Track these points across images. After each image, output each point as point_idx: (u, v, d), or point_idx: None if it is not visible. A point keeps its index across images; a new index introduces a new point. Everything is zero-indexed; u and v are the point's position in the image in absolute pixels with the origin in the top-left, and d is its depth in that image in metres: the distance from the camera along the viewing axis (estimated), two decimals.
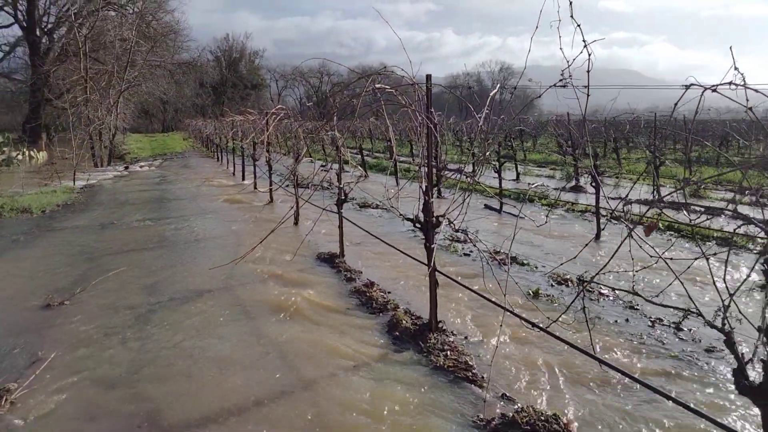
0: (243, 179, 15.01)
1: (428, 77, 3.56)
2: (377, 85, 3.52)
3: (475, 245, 3.98)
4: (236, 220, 8.92)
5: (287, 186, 10.31)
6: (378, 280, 5.42)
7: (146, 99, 38.36)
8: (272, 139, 10.73)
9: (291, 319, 4.45)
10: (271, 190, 10.86)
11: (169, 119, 62.60)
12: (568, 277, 5.67)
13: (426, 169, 3.69)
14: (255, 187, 12.84)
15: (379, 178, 14.54)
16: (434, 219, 3.69)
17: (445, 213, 3.56)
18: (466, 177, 3.59)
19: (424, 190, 3.71)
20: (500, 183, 10.49)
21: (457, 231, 3.52)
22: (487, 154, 5.47)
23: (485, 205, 9.96)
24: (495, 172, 10.60)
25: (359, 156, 17.74)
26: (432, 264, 3.83)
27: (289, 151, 17.34)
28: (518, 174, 14.67)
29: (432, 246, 3.77)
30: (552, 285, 5.46)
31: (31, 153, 24.75)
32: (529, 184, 13.33)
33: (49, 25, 33.70)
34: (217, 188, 13.64)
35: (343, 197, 6.04)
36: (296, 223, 8.38)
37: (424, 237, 3.84)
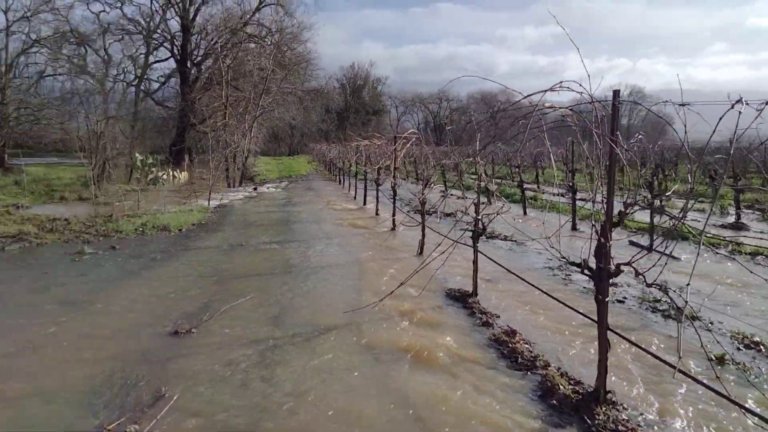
0: (364, 203, 14.94)
1: (616, 93, 2.90)
2: (547, 106, 2.93)
3: (675, 306, 3.15)
4: (359, 246, 8.66)
5: (411, 213, 9.91)
6: (519, 327, 4.74)
7: (277, 124, 40.62)
8: (398, 164, 10.45)
9: (424, 370, 3.92)
10: (394, 218, 10.53)
11: (296, 143, 66.08)
12: (758, 339, 4.59)
13: (603, 204, 3.00)
14: (377, 213, 12.64)
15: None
16: (612, 267, 2.98)
17: (630, 261, 2.84)
18: (670, 217, 2.85)
19: (598, 229, 3.02)
20: (651, 217, 9.29)
21: (650, 286, 2.78)
22: (661, 186, 4.62)
23: (630, 241, 8.84)
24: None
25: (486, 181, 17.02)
26: (605, 322, 3.11)
27: (417, 177, 17.10)
28: (662, 206, 13.11)
29: (605, 300, 3.06)
30: (739, 348, 4.43)
31: (175, 173, 26.95)
32: (675, 218, 11.82)
33: (198, 58, 36.96)
34: (340, 212, 13.64)
35: (480, 230, 5.45)
36: (420, 252, 7.92)
37: (595, 288, 3.13)
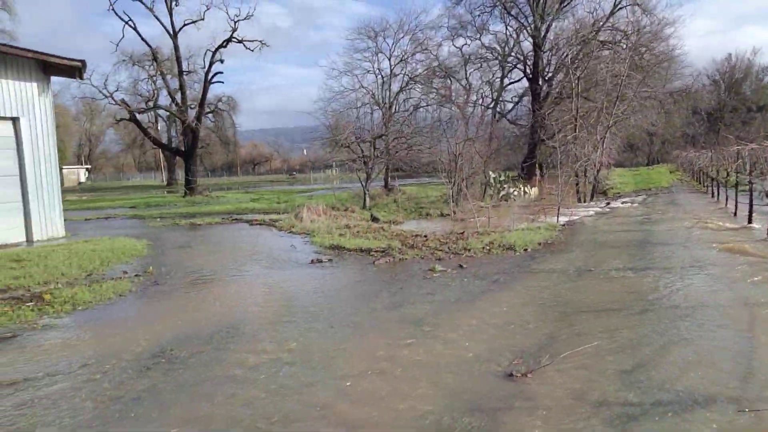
0: (749, 222, 11.97)
1: None
2: None
3: None
4: (742, 281, 6.73)
5: None
6: None
7: (633, 132, 37.48)
8: None
9: None
10: None
11: (655, 151, 59.76)
12: None
13: None
14: None
15: None
16: None
17: None
18: None
19: None
20: None
21: None
22: None
23: None
24: None
25: None
26: None
27: None
28: None
29: None
30: None
31: (525, 189, 27.38)
32: None
33: (549, 74, 37.07)
34: (714, 232, 11.23)
35: None
36: None
37: None
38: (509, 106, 40.56)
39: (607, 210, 18.01)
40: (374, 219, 16.04)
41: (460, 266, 8.37)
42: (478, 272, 7.94)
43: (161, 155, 70.07)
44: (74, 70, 14.90)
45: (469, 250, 9.77)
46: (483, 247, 9.96)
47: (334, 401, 3.72)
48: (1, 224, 13.82)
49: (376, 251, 9.87)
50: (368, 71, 31.70)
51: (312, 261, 9.18)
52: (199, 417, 3.49)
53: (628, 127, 32.98)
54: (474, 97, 37.90)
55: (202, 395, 3.80)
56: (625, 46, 31.56)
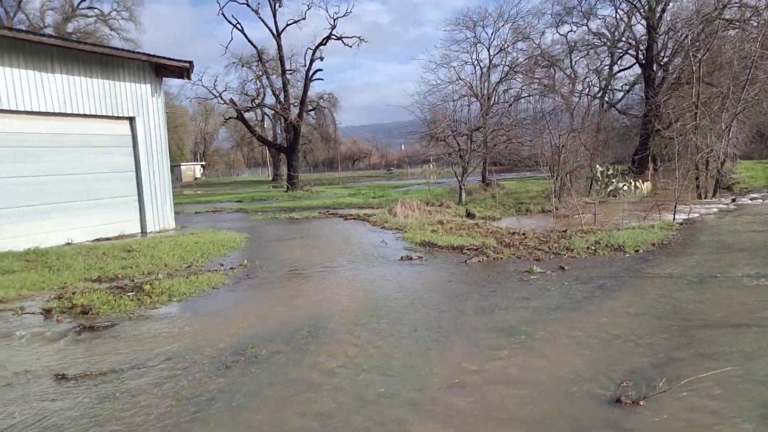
0: None
1: None
2: None
3: None
4: None
5: None
6: None
7: (763, 120, 33.49)
8: None
9: None
10: None
11: None
12: None
13: None
14: None
15: None
16: None
17: None
18: None
19: None
20: None
21: None
22: None
23: None
24: None
25: None
26: None
27: None
28: None
29: None
30: None
31: (636, 184, 25.36)
32: None
33: (665, 59, 34.14)
34: None
35: None
36: None
37: None
38: (619, 95, 37.96)
39: (733, 207, 16.10)
40: (469, 215, 15.48)
41: (561, 268, 7.67)
42: (582, 275, 7.22)
43: (267, 152, 73.41)
44: (183, 70, 15.70)
45: (572, 250, 8.99)
46: (588, 247, 9.14)
47: (410, 417, 3.37)
48: (121, 217, 14.87)
49: (469, 249, 9.38)
50: (466, 62, 31.01)
51: (402, 258, 8.89)
52: (266, 426, 3.28)
53: (759, 114, 29.50)
54: (580, 87, 35.83)
55: (274, 401, 3.61)
56: (755, 24, 28.22)
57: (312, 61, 35.48)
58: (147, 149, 15.44)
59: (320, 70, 38.19)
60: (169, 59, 15.49)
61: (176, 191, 51.58)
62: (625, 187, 23.06)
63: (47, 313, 6.13)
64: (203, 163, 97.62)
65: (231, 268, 8.81)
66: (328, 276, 7.89)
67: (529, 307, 5.76)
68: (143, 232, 15.28)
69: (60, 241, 12.95)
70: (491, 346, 4.57)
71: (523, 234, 10.91)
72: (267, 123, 66.54)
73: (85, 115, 13.81)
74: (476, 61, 30.73)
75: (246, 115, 45.67)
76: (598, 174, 22.13)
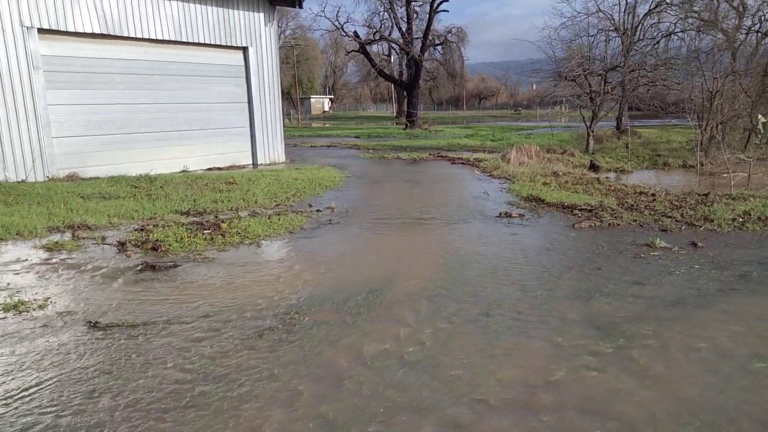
0: None
1: None
2: None
3: None
4: None
5: None
6: None
7: None
8: None
9: None
10: None
11: None
12: None
13: None
14: None
15: None
16: None
17: None
18: None
19: None
20: None
21: None
22: None
23: None
24: None
25: None
26: None
27: None
28: None
29: None
30: None
31: None
32: None
33: None
34: None
35: None
36: None
37: None
38: None
39: None
40: (593, 167, 13.75)
41: (693, 244, 6.23)
42: (720, 257, 5.77)
43: (393, 88, 72.76)
44: None
45: (712, 221, 7.36)
46: (734, 219, 7.44)
47: None
48: (234, 147, 15.17)
49: (581, 210, 8.08)
50: None
51: (500, 214, 7.87)
52: (258, 428, 2.71)
53: None
54: (749, 22, 30.35)
55: (285, 393, 3.02)
56: None
57: None
58: (259, 80, 15.40)
59: (446, 0, 35.96)
60: None
61: (304, 123, 53.16)
62: None
63: (122, 246, 6.09)
64: (332, 96, 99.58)
65: (317, 210, 8.40)
66: (412, 229, 7.15)
67: (641, 296, 4.59)
68: (254, 163, 15.51)
69: (176, 168, 13.45)
70: (578, 349, 3.59)
71: (653, 195, 9.26)
72: (394, 58, 65.58)
73: (199, 44, 13.92)
74: None
75: (374, 48, 44.92)
76: (760, 126, 18.67)
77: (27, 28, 10.70)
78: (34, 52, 10.84)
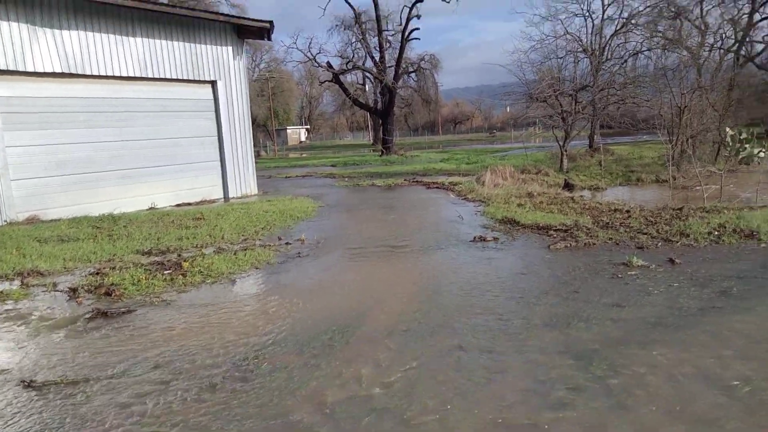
0: None
1: None
2: None
3: None
4: None
5: None
6: None
7: None
8: None
9: None
10: None
11: None
12: None
13: None
14: None
15: None
16: None
17: None
18: None
19: None
20: None
21: None
22: None
23: None
24: None
25: None
26: None
27: None
28: None
29: None
30: None
31: None
32: None
33: None
34: None
35: None
36: None
37: None
38: (759, 47, 32.72)
39: None
40: (567, 185, 13.72)
41: (671, 261, 6.07)
42: (698, 273, 5.61)
43: (369, 116, 73.22)
44: (263, 31, 15.15)
45: (688, 235, 7.25)
46: (709, 232, 7.34)
47: None
48: (204, 182, 14.84)
49: (556, 230, 7.92)
50: (576, 14, 27.88)
51: (474, 239, 7.66)
52: None
53: None
54: (711, 40, 31.29)
55: None
56: None
57: (408, 19, 33.97)
58: (229, 114, 15.19)
59: (417, 29, 36.44)
60: (248, 19, 15.00)
61: (281, 154, 52.93)
62: (762, 154, 19.68)
63: (73, 292, 5.71)
64: (308, 126, 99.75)
65: (286, 243, 8.11)
66: (385, 258, 6.89)
67: (620, 319, 4.38)
68: (225, 197, 15.19)
69: (144, 205, 13.07)
70: (556, 381, 3.34)
71: (627, 211, 9.16)
72: (369, 87, 66.15)
73: (166, 79, 13.68)
74: (587, 13, 27.53)
75: (349, 78, 45.12)
76: (728, 138, 18.99)
77: None
78: None
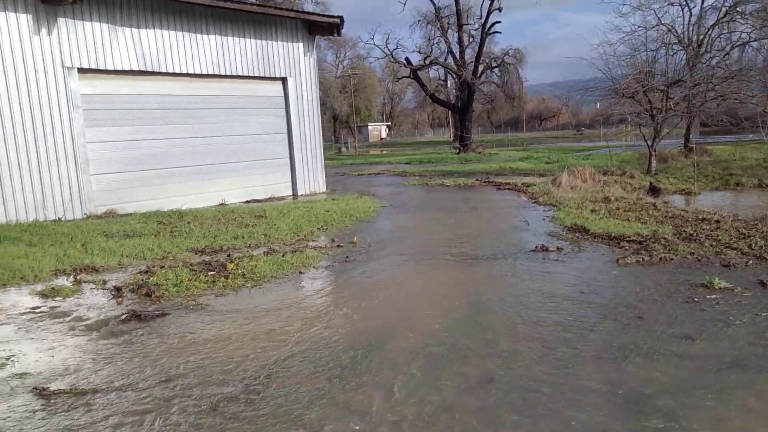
0: None
1: None
2: None
3: None
4: None
5: None
6: None
7: None
8: None
9: None
10: None
11: None
12: None
13: None
14: None
15: None
16: None
17: None
18: None
19: None
20: None
21: None
22: None
23: None
24: None
25: None
26: None
27: None
28: None
29: None
30: None
31: None
32: None
33: None
34: None
35: None
36: None
37: None
38: None
39: None
40: (653, 189, 12.54)
41: (762, 284, 5.19)
42: None
43: (449, 112, 72.32)
44: (333, 27, 15.07)
45: None
46: None
47: None
48: (273, 179, 15.03)
49: (629, 241, 7.13)
50: (671, 3, 25.63)
51: (535, 248, 7.05)
52: None
53: None
54: None
55: None
56: None
57: (489, 12, 32.94)
58: (299, 111, 15.27)
59: (498, 22, 35.21)
60: (318, 15, 15.02)
61: (361, 151, 53.43)
62: None
63: (117, 291, 5.76)
64: (389, 123, 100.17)
65: (338, 245, 7.89)
66: (433, 267, 6.47)
67: (689, 354, 3.71)
68: (294, 194, 15.30)
69: (215, 201, 13.39)
70: None
71: (717, 221, 8.12)
72: (450, 82, 65.35)
73: (238, 77, 13.94)
74: (684, 1, 25.22)
75: (431, 74, 44.56)
76: None
77: (68, 68, 10.95)
78: (74, 91, 11.08)
